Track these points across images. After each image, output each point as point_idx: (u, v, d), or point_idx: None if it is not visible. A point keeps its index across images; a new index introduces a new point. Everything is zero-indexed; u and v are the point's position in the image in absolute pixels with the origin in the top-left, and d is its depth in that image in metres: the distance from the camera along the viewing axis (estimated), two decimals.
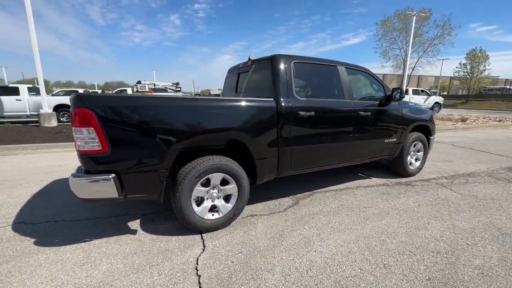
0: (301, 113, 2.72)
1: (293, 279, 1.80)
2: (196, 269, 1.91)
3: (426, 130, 4.23)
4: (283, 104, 2.63)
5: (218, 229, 2.46)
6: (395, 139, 3.73)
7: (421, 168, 4.30)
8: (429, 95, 17.15)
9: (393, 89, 3.47)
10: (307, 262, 1.99)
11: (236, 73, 3.60)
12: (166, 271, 1.88)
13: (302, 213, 2.85)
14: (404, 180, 3.99)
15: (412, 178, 4.07)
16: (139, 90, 17.00)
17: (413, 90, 16.75)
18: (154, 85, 18.60)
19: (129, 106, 1.95)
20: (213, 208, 2.45)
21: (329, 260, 2.01)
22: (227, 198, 2.51)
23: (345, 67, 3.29)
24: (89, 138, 1.85)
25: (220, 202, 2.46)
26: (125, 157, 1.97)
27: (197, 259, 2.03)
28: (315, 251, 2.14)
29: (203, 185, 2.35)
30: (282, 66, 2.73)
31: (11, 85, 11.56)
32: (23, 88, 10.94)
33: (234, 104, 2.41)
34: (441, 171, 4.46)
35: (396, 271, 1.89)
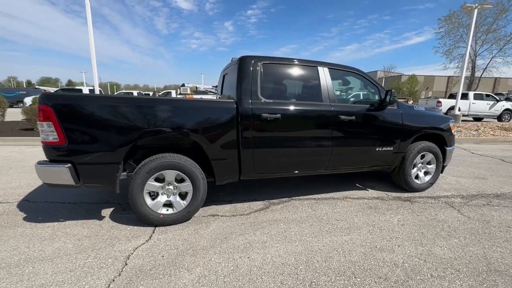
0: (265, 115, 2.65)
1: (206, 282, 1.78)
2: (128, 257, 2.04)
3: (440, 139, 3.65)
4: (244, 106, 2.60)
5: (172, 224, 2.56)
6: (391, 148, 3.31)
7: (432, 183, 3.72)
8: (497, 100, 14.47)
9: (386, 92, 3.09)
10: (232, 267, 1.94)
11: (223, 74, 3.67)
12: (102, 256, 2.05)
13: (264, 218, 2.75)
14: (406, 195, 3.50)
15: (417, 194, 3.55)
16: (181, 93, 18.41)
17: (474, 94, 14.36)
18: (196, 87, 19.89)
19: (84, 104, 2.20)
20: (168, 204, 2.57)
21: (255, 269, 1.92)
22: (184, 195, 2.60)
23: (329, 68, 3.07)
24: (49, 131, 2.14)
25: (175, 199, 2.56)
26: (80, 149, 2.22)
27: (135, 249, 2.16)
28: (249, 257, 2.06)
29: (157, 180, 2.48)
30: (248, 67, 2.71)
31: (77, 87, 13.88)
32: (85, 89, 12.95)
33: (187, 105, 2.49)
34: (460, 188, 3.78)
35: None
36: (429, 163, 3.64)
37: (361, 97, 4.69)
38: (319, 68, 3.00)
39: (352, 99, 3.64)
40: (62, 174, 2.19)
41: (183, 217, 2.58)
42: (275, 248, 2.19)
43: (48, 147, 2.18)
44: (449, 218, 2.80)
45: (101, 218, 2.70)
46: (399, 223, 2.68)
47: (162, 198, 2.53)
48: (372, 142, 3.20)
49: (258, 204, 3.14)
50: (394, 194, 3.52)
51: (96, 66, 10.99)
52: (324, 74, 3.00)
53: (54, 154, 2.20)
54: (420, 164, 3.60)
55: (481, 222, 2.74)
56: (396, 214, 2.89)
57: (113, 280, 1.77)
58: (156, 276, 1.83)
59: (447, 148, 3.68)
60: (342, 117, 2.97)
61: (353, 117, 3.03)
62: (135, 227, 2.52)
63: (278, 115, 2.70)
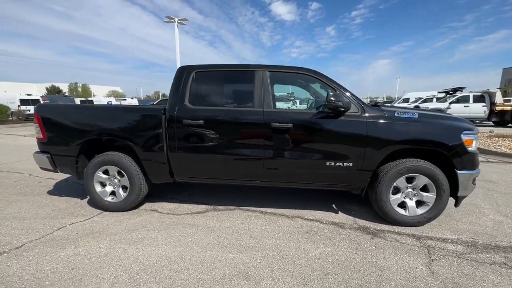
0: (187, 121, 2.76)
1: (78, 259, 2.12)
2: (59, 228, 2.64)
3: (444, 158, 2.60)
4: (170, 112, 2.81)
5: (114, 211, 3.05)
6: (349, 164, 2.65)
7: (431, 218, 2.67)
8: None
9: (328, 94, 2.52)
10: (107, 252, 2.20)
11: None
12: (48, 223, 2.74)
13: (188, 221, 2.83)
14: (382, 227, 2.69)
15: (398, 229, 2.65)
16: None
17: None
18: None
19: (54, 112, 3.01)
20: (113, 193, 3.08)
21: (116, 258, 2.11)
22: (126, 188, 3.05)
23: (270, 71, 2.82)
24: (37, 130, 3.06)
25: (118, 190, 3.05)
26: (53, 144, 3.04)
27: (71, 224, 2.75)
28: (125, 250, 2.26)
29: (104, 173, 3.04)
30: (179, 76, 2.89)
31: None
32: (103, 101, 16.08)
33: (120, 111, 2.92)
34: (468, 231, 2.58)
35: None
36: (425, 189, 2.65)
37: (304, 102, 3.85)
38: (256, 72, 2.81)
39: (304, 105, 3.06)
40: (44, 161, 3.08)
41: (122, 206, 3.02)
42: (155, 248, 2.29)
43: (38, 142, 3.12)
44: (396, 268, 2.02)
45: (82, 198, 3.51)
46: (314, 257, 2.17)
47: (109, 188, 3.07)
48: (319, 155, 2.68)
49: (201, 207, 3.22)
50: (365, 224, 2.78)
51: None
52: (261, 79, 2.78)
53: (41, 147, 3.11)
54: (409, 190, 2.68)
55: (452, 284, 1.83)
56: (328, 247, 2.33)
57: (31, 241, 2.39)
58: (58, 245, 2.32)
59: (459, 172, 2.57)
60: (276, 124, 2.66)
61: (290, 125, 2.65)
62: (92, 209, 3.16)
63: (201, 121, 2.75)
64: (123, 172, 2.97)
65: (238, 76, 2.90)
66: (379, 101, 37.96)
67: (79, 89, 69.51)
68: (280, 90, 3.11)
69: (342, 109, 2.54)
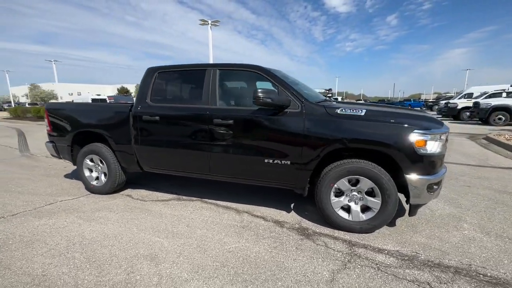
0: (145, 117, 3.07)
1: (47, 227, 2.64)
2: (51, 203, 3.26)
3: (391, 161, 2.32)
4: (134, 109, 3.16)
5: (98, 193, 3.58)
6: (287, 162, 2.58)
7: (375, 226, 2.42)
8: None
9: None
10: (67, 224, 2.66)
11: None
12: (46, 199, 3.40)
13: (147, 207, 3.16)
14: (323, 230, 2.56)
15: (338, 234, 2.48)
16: None
17: None
18: None
19: (57, 109, 3.67)
20: (97, 178, 3.61)
21: (73, 233, 2.54)
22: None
23: (220, 69, 2.92)
24: (47, 124, 3.78)
25: (100, 176, 3.57)
26: (56, 135, 3.72)
27: (62, 201, 3.36)
28: (80, 224, 2.69)
29: (91, 161, 3.58)
30: (145, 77, 3.22)
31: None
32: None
33: (97, 108, 3.41)
34: (419, 244, 2.22)
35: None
36: (371, 194, 2.41)
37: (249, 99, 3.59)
38: (207, 70, 2.94)
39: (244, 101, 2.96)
40: (51, 149, 3.80)
41: (103, 190, 3.53)
42: (103, 226, 2.67)
43: (47, 133, 3.85)
44: (296, 271, 1.95)
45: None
46: (227, 250, 2.23)
47: (94, 174, 3.61)
48: (258, 152, 2.67)
49: (168, 196, 3.52)
50: (308, 225, 2.68)
51: None
52: (210, 77, 2.91)
53: (49, 137, 3.83)
54: (354, 193, 2.48)
55: None
56: (249, 242, 2.35)
57: (24, 211, 3.03)
58: (39, 216, 2.90)
59: (407, 176, 2.27)
60: (217, 120, 2.76)
61: (231, 121, 2.72)
62: (84, 191, 3.75)
63: (157, 117, 3.03)
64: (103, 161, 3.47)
65: (192, 75, 3.08)
66: (447, 96, 32.41)
67: None
68: (231, 86, 3.14)
69: (274, 106, 2.49)
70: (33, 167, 5.09)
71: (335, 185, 2.48)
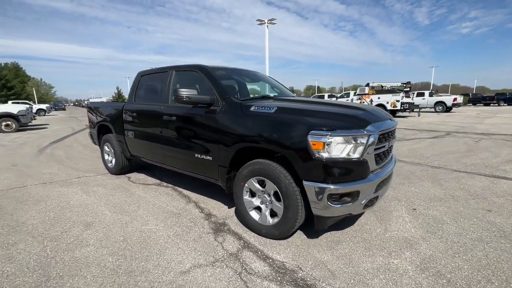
0: (128, 113, 3.73)
1: (57, 201, 3.66)
2: (77, 177, 4.39)
3: (288, 163, 2.08)
4: (125, 107, 3.87)
5: (112, 174, 4.53)
6: (210, 158, 2.65)
7: (280, 233, 2.22)
8: None
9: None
10: (68, 195, 3.60)
11: None
12: (80, 175, 4.58)
13: (134, 189, 3.83)
14: (237, 228, 2.53)
15: (246, 234, 2.41)
16: (357, 93, 17.55)
17: None
18: (382, 86, 17.78)
19: (90, 106, 4.82)
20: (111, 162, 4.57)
21: (72, 199, 3.43)
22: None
23: (176, 71, 3.23)
24: (88, 117, 5.01)
25: (112, 160, 4.49)
26: (91, 126, 4.89)
27: (80, 177, 4.46)
28: (76, 193, 3.56)
29: (107, 147, 4.56)
30: (135, 78, 3.87)
31: None
32: None
33: (106, 105, 4.25)
34: (317, 261, 1.86)
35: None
36: (278, 198, 2.23)
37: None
38: (168, 72, 3.30)
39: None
40: (89, 136, 5.03)
41: (114, 171, 4.44)
42: (86, 197, 3.45)
43: (89, 123, 5.09)
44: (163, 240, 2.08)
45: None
46: (141, 229, 2.56)
47: (109, 158, 4.58)
48: (189, 146, 2.85)
49: (155, 182, 4.10)
50: (231, 222, 2.69)
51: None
52: (168, 77, 3.26)
53: (89, 128, 5.07)
54: (265, 196, 2.35)
55: None
56: (160, 225, 2.60)
57: (58, 181, 4.21)
58: (61, 185, 3.99)
59: (304, 182, 1.99)
60: (166, 117, 3.10)
61: (174, 118, 3.00)
62: (105, 170, 4.79)
63: (134, 114, 3.62)
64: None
65: (161, 77, 3.49)
66: None
67: None
68: (183, 85, 3.35)
69: (193, 104, 2.63)
70: (93, 149, 6.72)
71: (246, 185, 2.41)
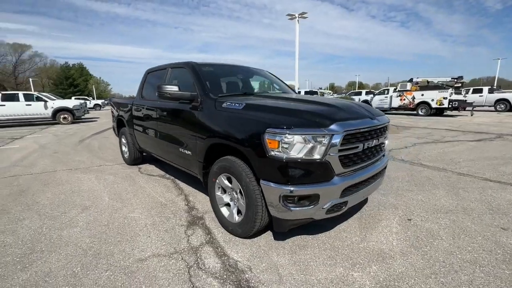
0: (135, 108, 4.00)
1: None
2: (98, 166, 4.90)
3: (248, 161, 2.02)
4: (134, 102, 4.16)
5: (127, 164, 4.94)
6: (190, 152, 2.71)
7: (243, 232, 2.19)
8: None
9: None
10: (76, 181, 4.04)
11: None
12: (101, 163, 5.10)
13: (137, 178, 4.13)
14: (211, 224, 2.56)
15: (216, 230, 2.41)
16: (398, 90, 16.08)
17: None
18: (428, 82, 16.00)
19: (112, 102, 5.28)
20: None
21: (74, 185, 3.86)
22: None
23: (171, 68, 3.36)
24: (111, 112, 5.51)
25: (127, 151, 4.90)
26: (113, 119, 5.38)
27: (104, 165, 4.94)
28: (81, 180, 3.97)
29: (124, 139, 4.98)
30: (143, 76, 4.13)
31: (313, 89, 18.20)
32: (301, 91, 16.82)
33: (121, 101, 4.61)
34: (272, 269, 1.77)
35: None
36: (244, 195, 2.19)
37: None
38: (167, 69, 3.46)
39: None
40: (114, 130, 5.54)
41: (129, 161, 4.82)
42: (96, 183, 3.83)
43: (112, 118, 5.60)
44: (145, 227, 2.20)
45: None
46: (130, 217, 2.75)
47: (125, 149, 4.98)
48: (175, 141, 2.96)
49: (160, 173, 4.35)
50: (210, 216, 2.73)
51: (297, 73, 14.17)
52: (166, 74, 3.41)
53: (113, 121, 5.58)
54: (234, 194, 2.33)
55: None
56: (144, 213, 2.76)
57: (82, 168, 4.75)
58: (82, 172, 4.50)
59: (261, 181, 1.92)
60: (159, 112, 3.26)
61: (165, 113, 3.14)
62: (118, 161, 5.23)
63: (140, 109, 3.88)
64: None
65: (161, 74, 3.66)
66: None
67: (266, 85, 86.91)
68: (178, 81, 3.45)
69: (174, 100, 2.71)
70: None
71: (217, 181, 2.42)
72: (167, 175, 4.21)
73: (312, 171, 1.84)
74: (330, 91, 35.97)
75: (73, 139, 8.14)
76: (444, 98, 13.87)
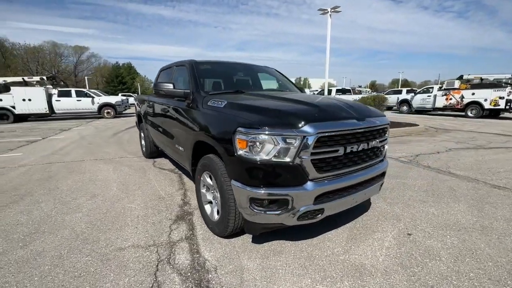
0: (148, 103, 4.23)
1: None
2: (120, 157, 5.30)
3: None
4: (149, 98, 4.40)
5: (145, 157, 5.26)
6: (182, 149, 2.77)
7: (221, 232, 2.16)
8: None
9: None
10: (93, 171, 4.41)
11: None
12: (121, 154, 5.51)
13: (147, 168, 4.38)
14: (200, 219, 2.59)
15: (201, 225, 2.42)
16: (444, 88, 14.47)
17: None
18: (481, 79, 14.13)
19: (136, 100, 5.64)
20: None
21: (97, 173, 4.23)
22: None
23: (176, 66, 3.48)
24: (135, 107, 5.91)
25: (144, 144, 5.21)
26: (136, 114, 5.76)
27: (124, 157, 5.33)
28: (101, 170, 4.32)
29: (142, 133, 5.30)
30: (157, 73, 4.34)
31: (346, 87, 17.37)
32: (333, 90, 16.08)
33: (140, 97, 4.89)
34: (237, 271, 1.69)
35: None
36: (221, 194, 2.17)
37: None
38: (173, 67, 3.58)
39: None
40: (136, 125, 5.94)
41: (145, 154, 5.15)
42: (112, 174, 4.14)
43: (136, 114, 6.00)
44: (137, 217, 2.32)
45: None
46: (125, 207, 2.93)
47: (143, 143, 5.31)
48: (172, 136, 3.05)
49: (171, 168, 4.55)
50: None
51: (328, 71, 13.57)
52: (172, 72, 3.54)
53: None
54: (216, 192, 2.31)
55: None
56: (142, 204, 2.90)
57: (107, 158, 5.18)
58: (103, 162, 4.91)
59: (232, 181, 1.87)
60: (163, 107, 3.39)
61: (166, 109, 3.26)
62: (138, 154, 5.57)
63: (151, 105, 4.09)
64: None
65: (169, 71, 3.79)
66: None
67: (301, 82, 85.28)
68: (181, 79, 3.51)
69: (169, 96, 2.77)
70: None
71: (202, 178, 2.43)
72: (176, 170, 4.38)
73: (282, 174, 1.74)
74: (368, 89, 33.77)
75: (109, 132, 8.93)
76: (500, 97, 12.06)
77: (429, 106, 15.41)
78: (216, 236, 2.29)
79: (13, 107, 12.84)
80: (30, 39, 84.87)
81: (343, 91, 16.98)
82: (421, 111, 16.25)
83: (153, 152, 4.98)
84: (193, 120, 2.52)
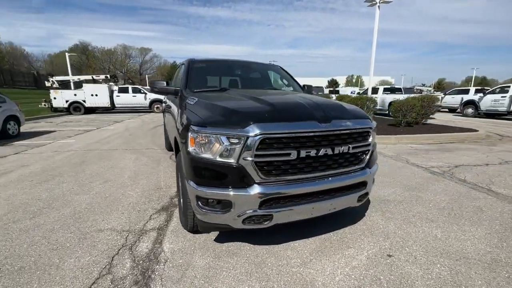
0: (164, 99, 4.52)
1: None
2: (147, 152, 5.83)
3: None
4: (166, 96, 4.72)
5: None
6: (173, 143, 2.90)
7: (185, 225, 2.19)
8: None
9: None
10: (97, 167, 4.92)
11: None
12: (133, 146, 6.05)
13: (162, 160, 4.71)
14: None
15: (176, 219, 2.52)
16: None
17: None
18: None
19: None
20: None
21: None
22: None
23: (181, 64, 3.63)
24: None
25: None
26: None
27: (149, 149, 5.83)
28: (114, 167, 4.80)
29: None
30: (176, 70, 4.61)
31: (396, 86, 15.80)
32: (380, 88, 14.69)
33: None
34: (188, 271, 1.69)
35: None
36: None
37: None
38: (180, 66, 3.76)
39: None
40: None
41: (167, 147, 5.55)
42: (131, 163, 4.58)
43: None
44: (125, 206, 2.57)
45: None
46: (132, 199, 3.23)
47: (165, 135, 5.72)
48: (168, 132, 3.20)
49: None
50: None
51: (373, 68, 12.43)
52: (178, 70, 3.72)
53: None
54: None
55: None
56: (147, 198, 3.15)
57: (126, 149, 5.76)
58: (125, 152, 5.47)
59: (185, 178, 1.89)
60: (168, 103, 3.60)
61: (169, 105, 3.44)
62: (162, 146, 6.01)
63: (166, 100, 4.39)
64: None
65: (179, 69, 3.99)
66: None
67: (353, 81, 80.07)
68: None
69: (161, 93, 2.92)
70: None
71: (179, 173, 2.52)
72: None
73: (225, 175, 1.69)
74: (430, 88, 29.77)
75: (150, 125, 9.86)
76: None
77: (502, 109, 12.84)
78: (184, 230, 2.36)
79: (84, 101, 15.17)
80: (107, 42, 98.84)
81: (391, 90, 15.32)
82: (492, 114, 13.69)
83: (171, 145, 5.34)
84: (175, 117, 2.62)
